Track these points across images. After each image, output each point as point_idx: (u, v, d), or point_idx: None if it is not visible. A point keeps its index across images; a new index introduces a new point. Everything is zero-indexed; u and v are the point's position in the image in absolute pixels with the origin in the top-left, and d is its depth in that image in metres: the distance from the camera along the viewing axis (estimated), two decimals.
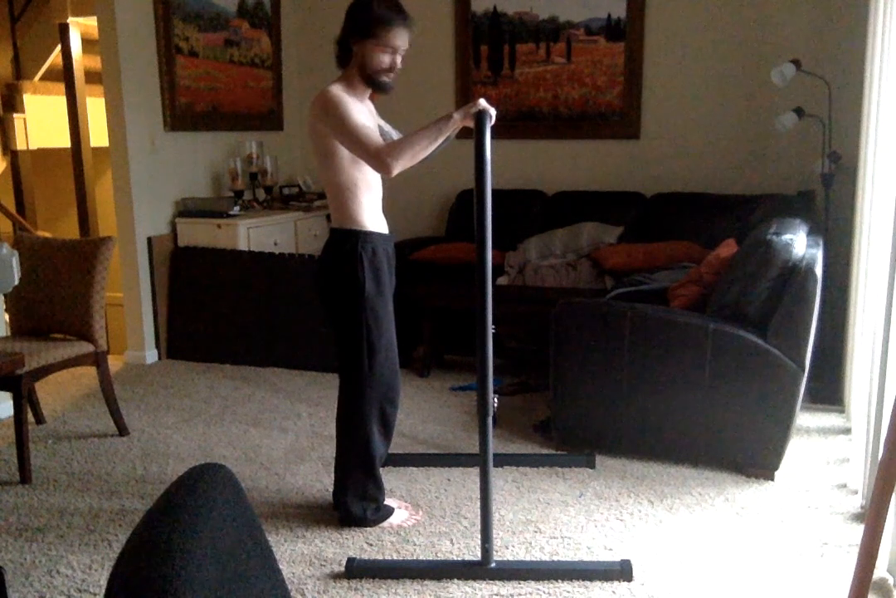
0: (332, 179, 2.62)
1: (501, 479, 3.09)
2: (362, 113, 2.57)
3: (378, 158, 2.45)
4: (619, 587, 2.39)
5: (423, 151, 2.48)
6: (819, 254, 3.14)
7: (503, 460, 3.19)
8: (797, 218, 3.43)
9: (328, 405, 3.94)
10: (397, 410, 2.80)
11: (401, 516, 2.79)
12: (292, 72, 5.72)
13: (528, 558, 2.56)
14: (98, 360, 3.46)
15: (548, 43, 5.23)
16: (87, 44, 6.37)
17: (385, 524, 2.76)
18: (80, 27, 6.42)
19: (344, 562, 2.49)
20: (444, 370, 4.47)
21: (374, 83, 2.61)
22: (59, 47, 6.57)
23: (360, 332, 2.62)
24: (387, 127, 2.78)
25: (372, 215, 2.66)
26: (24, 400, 3.16)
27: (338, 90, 2.56)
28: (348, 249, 2.61)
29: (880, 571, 2.34)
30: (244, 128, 5.30)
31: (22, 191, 7.01)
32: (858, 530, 2.63)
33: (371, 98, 2.77)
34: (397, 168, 2.47)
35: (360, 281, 2.59)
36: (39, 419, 3.75)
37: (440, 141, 2.51)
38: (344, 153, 2.56)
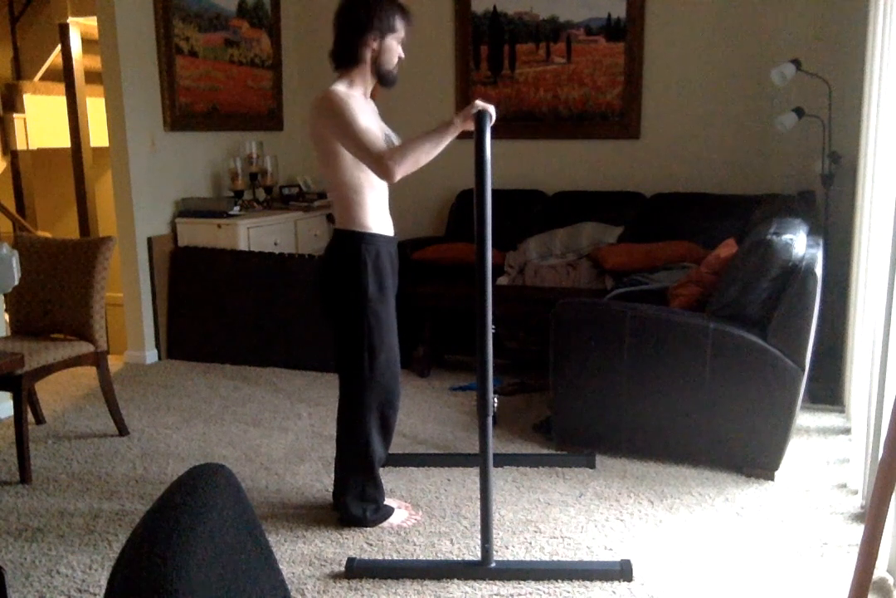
0: (335, 180, 2.60)
1: (501, 479, 3.09)
2: (366, 114, 2.56)
3: (380, 163, 2.43)
4: (619, 587, 2.39)
5: (425, 156, 2.46)
6: (819, 254, 3.14)
7: (503, 460, 3.19)
8: (797, 218, 3.43)
9: (328, 405, 3.94)
10: (397, 413, 2.78)
11: (401, 516, 2.79)
12: (292, 72, 5.72)
13: (528, 558, 2.56)
14: (98, 360, 3.46)
15: (548, 43, 5.23)
16: (87, 44, 6.37)
17: (385, 524, 2.75)
18: (80, 27, 6.42)
19: (344, 562, 2.49)
20: (444, 370, 4.47)
21: (388, 77, 2.62)
22: (59, 47, 6.57)
23: (361, 334, 2.61)
24: (387, 130, 2.77)
25: (376, 217, 2.64)
26: (24, 400, 3.16)
27: (342, 91, 2.54)
28: (351, 251, 2.59)
29: (880, 571, 2.34)
30: (244, 128, 5.30)
31: (22, 191, 7.01)
32: (858, 530, 2.63)
33: (372, 96, 2.76)
34: (399, 174, 2.45)
35: (363, 284, 2.58)
36: (39, 419, 3.75)
37: (442, 147, 2.49)
38: (347, 154, 2.55)
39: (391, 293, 2.67)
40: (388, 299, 2.65)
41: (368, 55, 2.58)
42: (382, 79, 2.62)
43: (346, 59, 2.60)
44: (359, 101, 2.58)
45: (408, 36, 2.64)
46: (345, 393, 2.72)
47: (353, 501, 2.73)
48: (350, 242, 2.61)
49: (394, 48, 2.59)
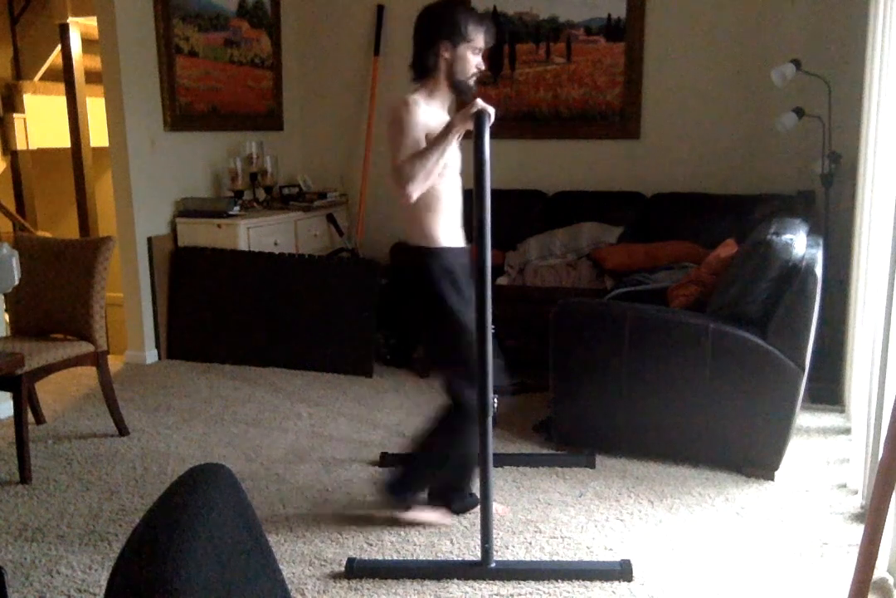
0: None
1: (501, 479, 3.09)
2: (432, 127, 2.50)
3: (398, 181, 2.40)
4: (619, 587, 2.39)
5: (435, 166, 2.44)
6: (819, 254, 3.14)
7: (503, 460, 3.19)
8: (797, 218, 3.43)
9: (328, 405, 3.95)
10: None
11: (433, 515, 2.80)
12: (292, 72, 5.72)
13: (528, 558, 2.56)
14: (98, 360, 3.46)
15: (548, 43, 5.23)
16: (87, 44, 6.37)
17: (423, 517, 2.77)
18: (80, 27, 6.42)
19: (344, 562, 2.50)
20: None
21: (461, 88, 2.57)
22: (59, 47, 6.57)
23: (458, 349, 2.55)
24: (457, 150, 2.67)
25: (446, 230, 2.60)
26: (24, 400, 3.16)
27: (416, 101, 2.50)
28: (424, 268, 2.56)
29: (880, 571, 2.34)
30: (244, 128, 5.30)
31: (22, 191, 7.01)
32: (858, 530, 2.63)
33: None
34: (415, 191, 2.41)
35: (443, 296, 2.55)
36: (39, 419, 3.75)
37: (448, 151, 2.47)
38: None
39: (471, 301, 2.55)
40: (468, 301, 2.55)
41: (442, 65, 2.53)
42: (455, 89, 2.57)
43: (420, 70, 2.56)
44: (433, 114, 2.53)
45: (488, 44, 2.58)
46: (456, 407, 2.63)
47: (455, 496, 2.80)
48: (420, 259, 2.58)
49: (468, 58, 2.53)
